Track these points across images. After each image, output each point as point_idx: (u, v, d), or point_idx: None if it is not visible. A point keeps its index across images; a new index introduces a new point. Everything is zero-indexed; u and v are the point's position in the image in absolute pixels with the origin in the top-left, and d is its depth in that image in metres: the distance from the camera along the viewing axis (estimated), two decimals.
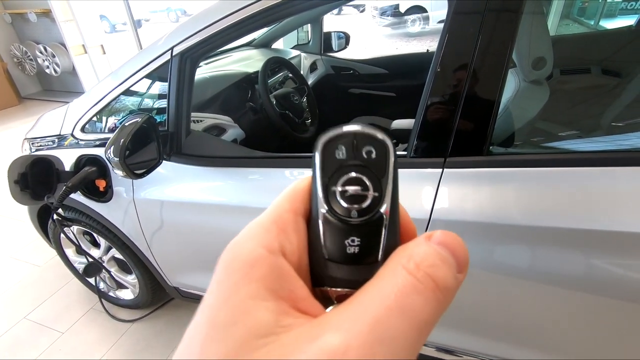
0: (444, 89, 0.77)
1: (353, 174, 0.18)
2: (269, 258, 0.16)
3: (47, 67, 4.92)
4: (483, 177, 0.76)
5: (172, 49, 1.06)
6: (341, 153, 0.19)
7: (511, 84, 0.98)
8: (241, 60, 1.94)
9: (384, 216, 0.18)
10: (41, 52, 4.84)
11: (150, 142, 1.03)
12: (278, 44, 2.33)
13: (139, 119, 0.98)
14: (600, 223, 0.68)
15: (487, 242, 0.78)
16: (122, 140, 0.93)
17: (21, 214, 2.43)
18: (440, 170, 0.79)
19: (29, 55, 4.98)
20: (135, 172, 0.98)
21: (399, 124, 1.42)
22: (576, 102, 1.15)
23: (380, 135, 0.19)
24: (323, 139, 0.19)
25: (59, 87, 5.33)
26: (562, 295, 0.76)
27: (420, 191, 0.81)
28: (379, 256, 0.18)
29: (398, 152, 0.86)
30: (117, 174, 1.00)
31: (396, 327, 0.14)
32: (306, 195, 0.20)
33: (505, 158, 0.77)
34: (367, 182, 0.18)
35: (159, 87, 1.24)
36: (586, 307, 0.76)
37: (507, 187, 0.75)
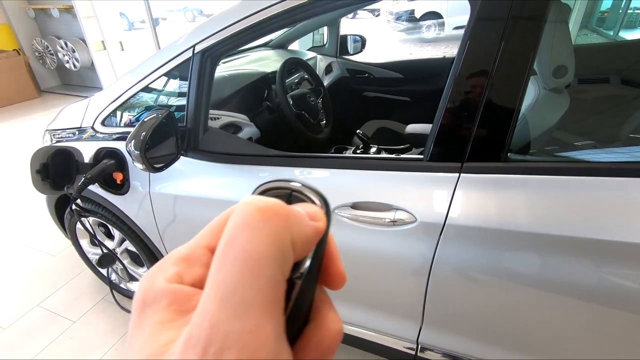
0: (463, 94, 0.77)
1: None
2: (171, 289, 0.16)
3: (67, 61, 5.03)
4: (500, 183, 0.76)
5: (193, 47, 1.08)
6: None
7: (531, 91, 0.97)
8: (258, 60, 1.96)
9: (294, 284, 0.16)
10: (62, 47, 4.95)
11: (169, 137, 1.05)
12: (294, 46, 2.35)
13: (159, 114, 1.00)
14: (615, 234, 0.67)
15: (500, 248, 0.77)
16: (143, 134, 0.95)
17: (37, 204, 2.49)
18: (457, 175, 0.79)
19: (50, 50, 5.10)
20: (155, 165, 1.00)
21: (413, 128, 1.42)
22: (595, 111, 1.14)
23: (316, 198, 0.18)
24: (260, 188, 0.19)
25: (77, 81, 5.46)
26: (574, 305, 0.75)
27: (435, 195, 0.81)
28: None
29: (412, 156, 0.86)
30: (136, 166, 1.02)
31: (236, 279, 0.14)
32: None
33: (523, 165, 0.76)
34: None
35: (178, 84, 1.26)
36: (598, 318, 0.75)
37: (524, 194, 0.75)
